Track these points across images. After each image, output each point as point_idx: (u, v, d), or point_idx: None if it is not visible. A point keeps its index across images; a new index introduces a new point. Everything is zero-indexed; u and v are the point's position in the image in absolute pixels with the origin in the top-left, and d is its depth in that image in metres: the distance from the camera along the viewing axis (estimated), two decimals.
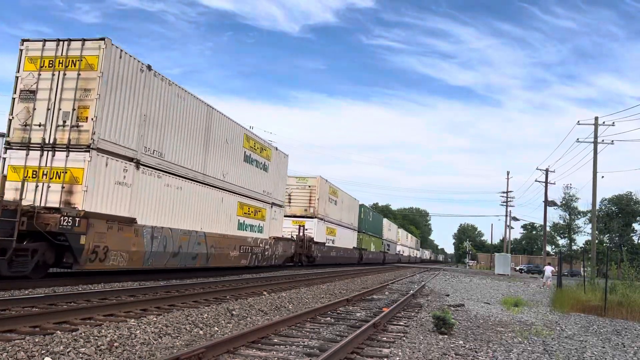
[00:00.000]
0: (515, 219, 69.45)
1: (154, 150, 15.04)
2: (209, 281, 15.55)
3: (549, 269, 33.70)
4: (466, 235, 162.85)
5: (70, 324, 7.47)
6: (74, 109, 12.81)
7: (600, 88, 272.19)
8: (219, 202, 19.02)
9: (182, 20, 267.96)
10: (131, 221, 13.88)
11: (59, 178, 12.50)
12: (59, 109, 12.90)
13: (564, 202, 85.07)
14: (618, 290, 18.50)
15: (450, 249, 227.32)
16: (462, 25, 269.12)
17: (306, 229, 31.07)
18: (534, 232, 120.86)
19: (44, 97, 13.02)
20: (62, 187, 12.38)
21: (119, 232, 13.33)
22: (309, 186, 33.29)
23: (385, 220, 64.57)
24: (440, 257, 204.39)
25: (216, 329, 8.06)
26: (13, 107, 13.24)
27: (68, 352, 5.59)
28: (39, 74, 13.17)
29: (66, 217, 11.58)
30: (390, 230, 68.27)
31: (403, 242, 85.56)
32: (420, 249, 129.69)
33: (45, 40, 13.39)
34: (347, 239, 41.36)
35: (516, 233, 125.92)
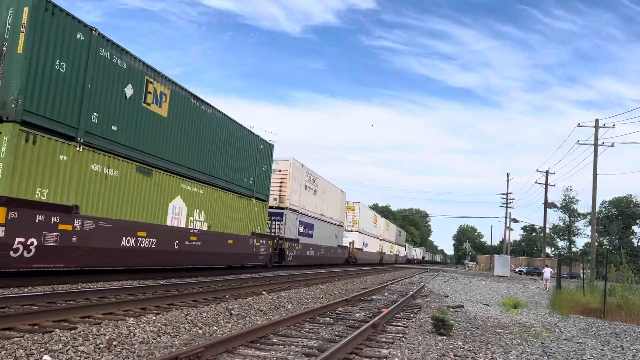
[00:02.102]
0: (515, 220, 69.42)
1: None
2: (208, 280, 15.55)
3: (548, 271, 33.67)
4: (466, 236, 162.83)
5: (69, 322, 7.47)
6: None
7: (600, 90, 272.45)
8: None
9: (184, 20, 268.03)
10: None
11: None
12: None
13: (563, 204, 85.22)
14: (617, 293, 18.50)
15: (449, 250, 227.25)
16: (462, 26, 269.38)
17: None
18: (534, 234, 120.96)
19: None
20: None
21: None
22: None
23: (303, 170, 29.96)
24: (438, 258, 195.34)
25: (215, 328, 8.05)
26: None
27: (67, 351, 5.58)
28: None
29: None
30: (326, 195, 34.89)
31: (367, 230, 51.09)
32: (408, 245, 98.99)
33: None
34: None
35: (516, 235, 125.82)
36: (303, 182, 30.01)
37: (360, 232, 47.79)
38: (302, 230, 29.77)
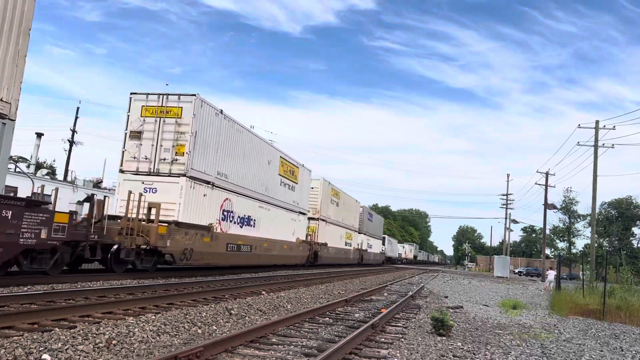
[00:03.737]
0: (514, 221, 69.48)
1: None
2: (208, 280, 15.55)
3: (552, 274, 33.61)
4: (465, 237, 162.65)
5: (69, 321, 7.47)
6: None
7: (600, 92, 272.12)
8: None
9: (184, 20, 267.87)
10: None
11: None
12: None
13: (563, 205, 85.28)
14: (617, 294, 18.49)
15: (449, 251, 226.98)
16: (463, 28, 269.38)
17: None
18: (534, 235, 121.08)
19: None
20: None
21: None
22: None
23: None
24: (436, 258, 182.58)
25: (215, 327, 8.06)
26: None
27: (66, 349, 5.59)
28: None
29: None
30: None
31: (262, 189, 22.73)
32: (389, 237, 74.40)
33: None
34: None
35: (516, 236, 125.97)
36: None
37: (230, 190, 19.93)
38: None
